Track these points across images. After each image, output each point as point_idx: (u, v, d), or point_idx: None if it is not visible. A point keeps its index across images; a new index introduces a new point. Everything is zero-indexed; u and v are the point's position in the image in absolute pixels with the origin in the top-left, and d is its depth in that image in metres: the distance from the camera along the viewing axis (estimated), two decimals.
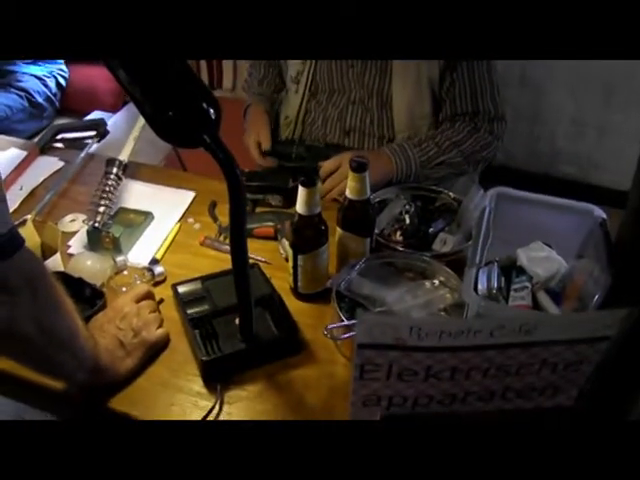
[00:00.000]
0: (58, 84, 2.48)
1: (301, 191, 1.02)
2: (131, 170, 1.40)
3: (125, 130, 2.06)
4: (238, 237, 0.87)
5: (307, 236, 1.07)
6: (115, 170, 1.28)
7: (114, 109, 2.43)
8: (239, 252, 0.88)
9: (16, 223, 1.12)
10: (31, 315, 0.75)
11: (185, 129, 0.83)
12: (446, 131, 1.48)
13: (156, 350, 1.03)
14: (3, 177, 1.45)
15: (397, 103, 1.48)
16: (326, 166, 1.41)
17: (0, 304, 0.71)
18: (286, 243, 1.20)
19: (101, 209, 1.22)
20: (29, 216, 1.16)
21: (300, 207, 1.04)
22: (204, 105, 0.83)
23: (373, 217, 1.13)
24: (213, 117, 0.84)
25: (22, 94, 2.32)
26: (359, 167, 1.05)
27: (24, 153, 1.58)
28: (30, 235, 1.15)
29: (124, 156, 1.31)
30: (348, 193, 1.08)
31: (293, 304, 1.12)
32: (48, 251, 1.17)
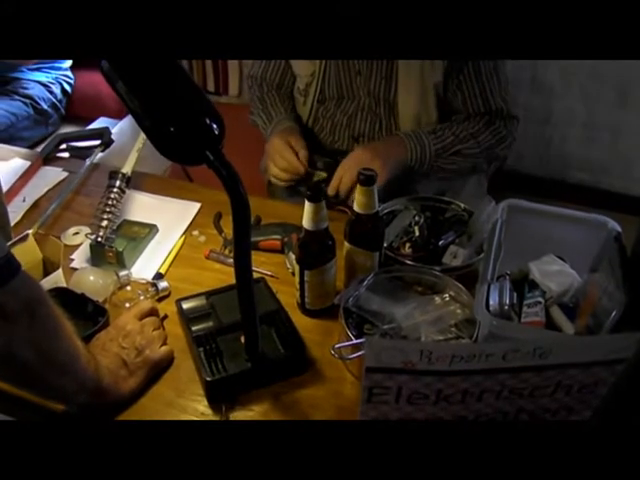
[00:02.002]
0: (63, 90, 2.47)
1: (307, 206, 1.00)
2: (135, 181, 1.38)
3: (130, 138, 2.04)
4: (242, 257, 0.84)
5: (314, 252, 1.04)
6: (118, 183, 1.26)
7: (119, 116, 2.41)
8: (243, 272, 0.85)
9: (17, 238, 1.10)
10: (29, 341, 0.73)
11: (187, 145, 0.80)
12: (462, 123, 1.45)
13: (160, 369, 1.01)
14: (6, 188, 1.44)
15: (403, 111, 1.46)
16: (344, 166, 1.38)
17: None
18: (293, 257, 1.18)
19: (104, 223, 1.20)
20: (30, 231, 1.13)
21: (307, 222, 1.01)
22: (207, 120, 0.81)
23: (382, 231, 1.10)
24: (216, 133, 0.81)
25: (27, 101, 2.31)
26: (367, 180, 1.02)
27: (27, 163, 1.57)
28: (31, 250, 1.13)
29: (127, 169, 1.29)
30: (356, 207, 1.05)
31: (300, 320, 1.10)
32: (50, 266, 1.15)
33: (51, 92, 2.41)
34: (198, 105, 0.82)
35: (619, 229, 1.08)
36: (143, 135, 1.34)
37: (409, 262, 1.16)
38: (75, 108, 2.51)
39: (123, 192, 1.27)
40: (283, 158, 1.41)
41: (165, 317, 1.11)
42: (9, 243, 1.08)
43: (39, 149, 2.28)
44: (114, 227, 1.22)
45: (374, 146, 1.42)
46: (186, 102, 0.82)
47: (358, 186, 1.03)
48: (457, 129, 1.44)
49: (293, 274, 1.17)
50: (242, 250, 0.85)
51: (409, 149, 1.40)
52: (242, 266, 0.86)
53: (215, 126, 0.81)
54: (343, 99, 1.53)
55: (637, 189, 2.33)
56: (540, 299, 1.07)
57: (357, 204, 1.05)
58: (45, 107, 2.37)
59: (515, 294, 1.06)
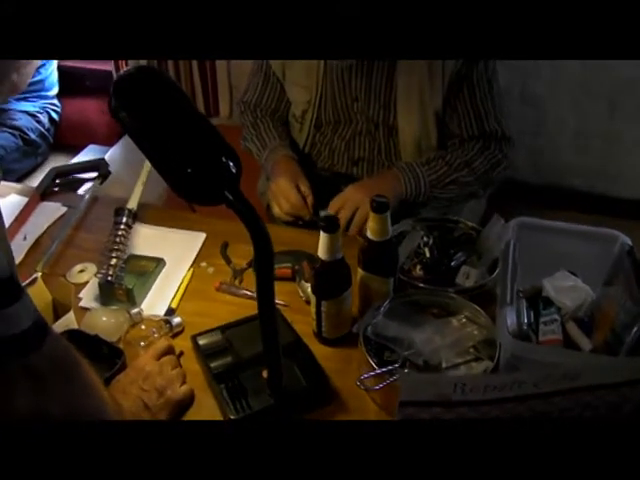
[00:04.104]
0: (51, 119, 2.45)
1: (323, 237, 0.99)
2: (138, 213, 1.36)
3: (123, 165, 2.03)
4: (266, 294, 0.83)
5: (330, 282, 1.04)
6: (125, 219, 1.25)
7: (109, 142, 2.39)
8: (267, 309, 0.85)
9: (26, 283, 1.08)
10: (60, 399, 0.71)
11: (206, 187, 0.79)
12: (455, 151, 1.45)
13: (182, 408, 1.00)
14: (6, 226, 1.42)
15: (403, 135, 1.46)
16: (333, 206, 1.37)
17: (26, 389, 0.68)
18: (305, 285, 1.18)
19: (113, 261, 1.18)
20: (39, 274, 1.12)
21: (322, 253, 1.01)
22: (224, 159, 0.80)
23: (396, 257, 1.10)
24: (234, 171, 0.80)
25: (15, 132, 2.29)
26: (380, 207, 1.02)
27: (24, 199, 1.55)
28: (41, 293, 1.11)
29: (133, 204, 1.28)
30: (369, 234, 1.05)
31: (318, 349, 1.09)
32: (60, 307, 1.13)
33: (39, 121, 2.39)
34: (214, 144, 0.81)
35: (630, 242, 1.09)
36: (146, 168, 1.33)
37: (422, 285, 1.15)
38: (63, 136, 2.50)
39: (130, 228, 1.25)
40: (289, 202, 1.40)
41: (181, 354, 1.10)
42: None
43: (31, 181, 2.29)
44: (123, 265, 1.20)
45: (368, 184, 1.40)
46: (202, 142, 0.80)
47: (371, 213, 1.03)
48: (451, 158, 1.43)
49: (307, 302, 1.16)
50: (265, 288, 0.84)
51: (404, 182, 1.39)
52: (266, 303, 0.85)
53: (232, 164, 0.80)
54: (340, 124, 1.52)
55: (630, 191, 2.36)
56: (556, 316, 1.08)
57: (370, 231, 1.05)
58: (33, 137, 2.35)
59: (532, 313, 1.07)
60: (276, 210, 1.43)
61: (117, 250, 1.21)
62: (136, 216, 1.29)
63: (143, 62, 2.38)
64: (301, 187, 1.41)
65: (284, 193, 1.40)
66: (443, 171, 1.41)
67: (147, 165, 1.33)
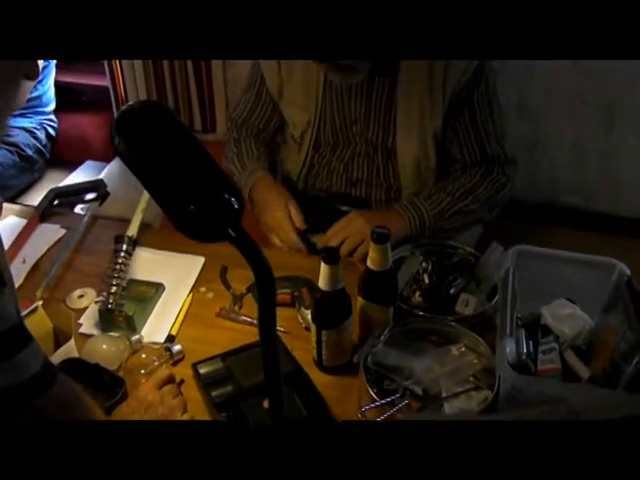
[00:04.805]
0: (48, 135, 2.45)
1: (324, 268, 1.00)
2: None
3: (121, 182, 2.03)
4: (269, 336, 0.83)
5: (331, 312, 1.05)
6: (125, 247, 1.25)
7: (106, 158, 2.39)
8: (270, 352, 0.85)
9: (28, 310, 1.08)
10: None
11: (209, 224, 0.79)
12: (458, 179, 1.45)
13: None
14: (4, 248, 1.41)
15: (402, 157, 1.46)
16: (333, 238, 1.36)
17: None
18: (305, 312, 1.18)
19: (113, 289, 1.19)
20: (39, 302, 1.12)
21: (323, 284, 1.01)
22: (226, 195, 0.80)
23: (395, 286, 1.11)
24: (236, 207, 0.80)
25: (12, 149, 2.28)
26: (380, 238, 1.03)
27: (23, 221, 1.55)
28: (42, 322, 1.11)
29: (133, 231, 1.28)
30: (369, 264, 1.06)
31: (318, 377, 1.09)
32: (61, 335, 1.13)
33: (35, 137, 2.39)
34: (216, 180, 0.81)
35: (628, 272, 1.09)
36: (146, 196, 1.33)
37: (421, 313, 1.16)
38: (60, 152, 2.50)
39: (130, 255, 1.26)
40: (286, 235, 1.42)
41: (182, 382, 1.10)
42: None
43: (29, 198, 2.29)
44: (123, 293, 1.20)
45: (375, 218, 1.34)
46: (204, 179, 0.81)
47: (372, 244, 1.03)
48: (453, 188, 1.43)
49: (307, 329, 1.17)
50: (267, 322, 0.84)
51: (407, 220, 1.38)
52: (268, 337, 0.86)
53: (234, 200, 0.80)
54: (339, 145, 1.53)
55: (626, 210, 2.37)
56: (554, 344, 1.08)
57: (371, 261, 1.05)
58: (30, 153, 2.35)
59: (531, 342, 1.08)
60: (276, 242, 1.45)
61: (117, 277, 1.21)
62: (136, 243, 1.29)
63: (141, 81, 2.40)
64: (293, 217, 1.43)
65: (280, 225, 1.43)
66: (446, 203, 1.41)
67: (146, 193, 1.33)
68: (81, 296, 1.29)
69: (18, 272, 1.36)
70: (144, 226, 1.45)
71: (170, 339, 1.18)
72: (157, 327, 1.22)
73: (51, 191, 1.63)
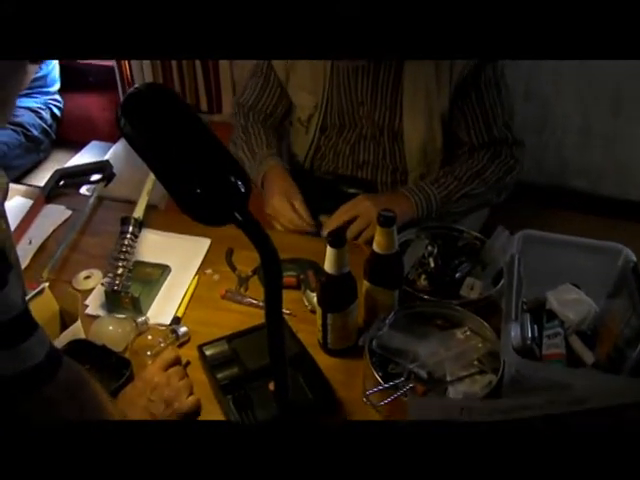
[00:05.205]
0: (53, 115, 2.44)
1: (330, 252, 1.00)
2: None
3: (126, 162, 2.03)
4: (274, 320, 0.84)
5: (336, 295, 1.05)
6: (131, 229, 1.25)
7: (112, 138, 2.39)
8: (275, 334, 0.85)
9: (34, 292, 1.08)
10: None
11: (215, 207, 0.79)
12: (465, 162, 1.45)
13: (189, 419, 1.01)
14: (11, 229, 1.42)
15: (408, 139, 1.46)
16: (340, 218, 1.37)
17: (41, 419, 0.69)
18: (311, 295, 1.18)
19: (119, 271, 1.19)
20: (46, 284, 1.12)
21: (329, 267, 1.01)
22: (232, 179, 0.79)
23: (401, 269, 1.11)
24: (243, 191, 0.80)
25: (18, 129, 2.28)
26: (386, 221, 1.02)
27: (29, 202, 1.55)
28: (48, 303, 1.11)
29: (139, 213, 1.28)
30: (375, 247, 1.06)
31: (323, 360, 1.10)
32: (68, 317, 1.14)
33: (41, 117, 2.38)
34: (223, 163, 0.81)
35: (634, 258, 1.09)
36: (152, 176, 1.33)
37: (426, 297, 1.16)
38: (66, 132, 2.49)
39: (136, 237, 1.26)
40: (288, 221, 1.43)
41: (188, 364, 1.11)
42: (27, 298, 1.06)
43: (34, 178, 2.29)
44: (129, 274, 1.21)
45: (382, 201, 1.35)
46: (211, 161, 0.80)
47: (378, 227, 1.03)
48: (460, 172, 1.43)
49: (312, 312, 1.17)
50: (274, 306, 0.84)
51: (414, 203, 1.38)
52: (273, 322, 0.86)
53: (241, 183, 0.79)
54: (345, 128, 1.52)
55: (632, 192, 2.36)
56: (559, 329, 1.08)
57: (377, 245, 1.05)
58: (36, 133, 2.34)
59: (536, 326, 1.08)
60: (278, 227, 1.46)
61: (123, 259, 1.21)
62: (142, 224, 1.29)
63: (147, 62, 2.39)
64: (295, 205, 1.43)
65: (282, 212, 1.43)
66: (453, 186, 1.41)
67: (152, 174, 1.33)
68: (87, 277, 1.29)
69: (24, 253, 1.37)
70: (150, 208, 1.45)
71: (176, 321, 1.19)
72: (163, 309, 1.22)
73: (57, 172, 1.63)
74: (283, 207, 1.43)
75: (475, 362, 1.06)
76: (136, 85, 0.89)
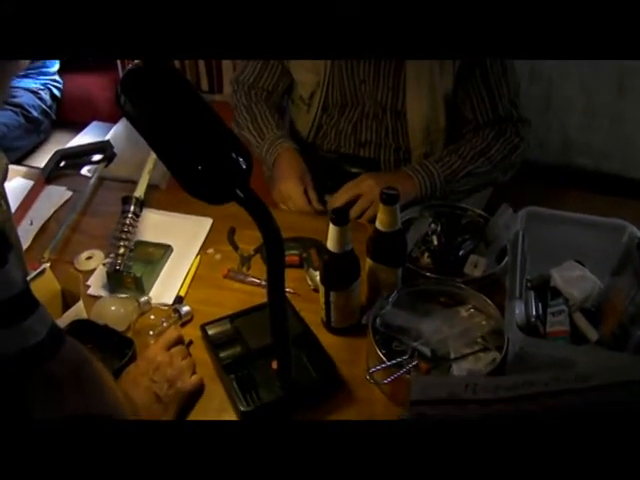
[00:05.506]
0: (53, 96, 2.42)
1: (332, 229, 0.99)
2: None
3: (127, 142, 2.02)
4: (277, 299, 0.84)
5: (339, 273, 1.04)
6: (132, 208, 1.24)
7: (113, 119, 2.37)
8: (278, 313, 0.85)
9: (36, 273, 1.08)
10: (76, 404, 0.72)
11: (216, 184, 0.78)
12: (470, 141, 1.43)
13: (192, 398, 1.01)
14: (12, 210, 1.41)
15: (412, 118, 1.44)
16: (343, 196, 1.37)
17: (49, 403, 0.69)
18: (314, 274, 1.18)
19: (121, 250, 1.18)
20: (47, 265, 1.12)
21: (332, 245, 1.01)
22: (234, 155, 0.78)
23: (404, 247, 1.10)
24: (244, 167, 0.79)
25: (17, 110, 2.26)
26: (389, 199, 1.01)
27: (30, 183, 1.54)
28: (50, 284, 1.11)
29: (140, 192, 1.28)
30: (378, 225, 1.05)
31: (326, 338, 1.09)
32: (70, 297, 1.14)
33: (40, 98, 2.36)
34: (224, 140, 0.80)
35: (639, 235, 1.08)
36: (153, 156, 1.32)
37: (430, 274, 1.16)
38: (66, 113, 2.47)
39: (137, 217, 1.25)
40: (297, 206, 1.43)
41: (190, 343, 1.11)
42: (29, 278, 1.06)
43: (34, 159, 2.28)
44: (131, 254, 1.20)
45: (385, 180, 1.32)
46: (212, 138, 0.79)
47: (381, 205, 1.02)
48: (464, 150, 1.41)
49: (315, 290, 1.17)
50: (276, 285, 0.84)
51: (417, 182, 1.37)
52: (276, 300, 0.86)
53: (242, 160, 0.78)
54: (347, 106, 1.51)
55: (638, 172, 2.35)
56: (564, 307, 1.08)
57: (379, 222, 1.04)
58: (36, 114, 2.33)
59: (540, 304, 1.07)
60: (284, 209, 1.46)
61: (125, 239, 1.21)
62: (143, 204, 1.28)
63: None
64: (309, 191, 1.43)
65: (293, 198, 1.43)
66: (457, 165, 1.39)
67: (153, 153, 1.32)
68: (89, 258, 1.29)
69: (25, 234, 1.36)
70: (151, 187, 1.44)
71: (178, 300, 1.18)
72: (165, 288, 1.22)
73: (57, 153, 1.62)
74: (296, 192, 1.43)
75: (479, 340, 1.06)
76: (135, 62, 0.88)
